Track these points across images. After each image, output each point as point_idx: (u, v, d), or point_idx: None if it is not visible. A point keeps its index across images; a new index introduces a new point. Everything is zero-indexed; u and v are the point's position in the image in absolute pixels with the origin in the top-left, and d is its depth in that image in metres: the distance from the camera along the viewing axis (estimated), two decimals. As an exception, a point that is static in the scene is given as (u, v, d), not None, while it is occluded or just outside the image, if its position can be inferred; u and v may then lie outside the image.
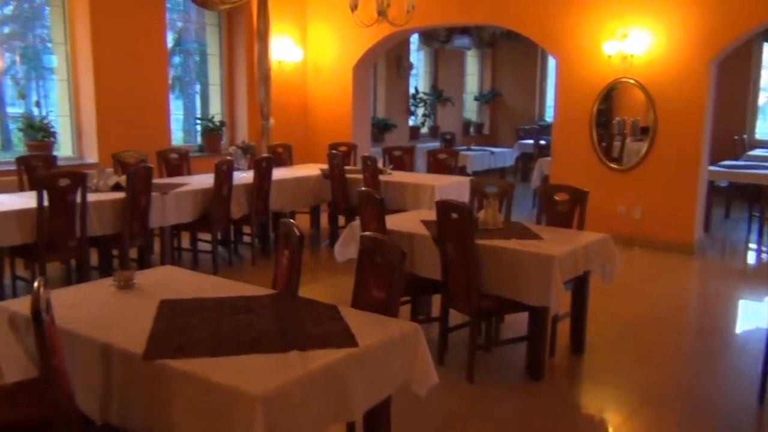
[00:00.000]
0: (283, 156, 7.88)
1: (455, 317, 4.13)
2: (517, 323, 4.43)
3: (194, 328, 2.48)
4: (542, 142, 11.26)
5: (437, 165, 7.58)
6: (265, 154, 6.93)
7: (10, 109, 8.51)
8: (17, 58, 8.38)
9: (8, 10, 11.77)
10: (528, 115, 14.03)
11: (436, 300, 4.28)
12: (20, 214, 4.75)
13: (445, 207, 3.91)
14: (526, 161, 12.31)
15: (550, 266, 3.63)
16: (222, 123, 8.72)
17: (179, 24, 9.57)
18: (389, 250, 2.75)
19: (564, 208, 4.52)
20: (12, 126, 7.88)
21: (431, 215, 4.29)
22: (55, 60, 7.41)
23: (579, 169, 7.37)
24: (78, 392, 2.39)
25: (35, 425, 2.28)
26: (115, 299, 2.82)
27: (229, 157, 6.35)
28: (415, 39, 12.14)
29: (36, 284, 2.05)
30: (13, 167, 5.96)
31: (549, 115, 13.55)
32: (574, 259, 3.87)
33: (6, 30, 12.72)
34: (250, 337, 2.39)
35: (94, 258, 5.58)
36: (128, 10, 7.38)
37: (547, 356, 4.04)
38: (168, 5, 8.31)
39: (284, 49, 9.06)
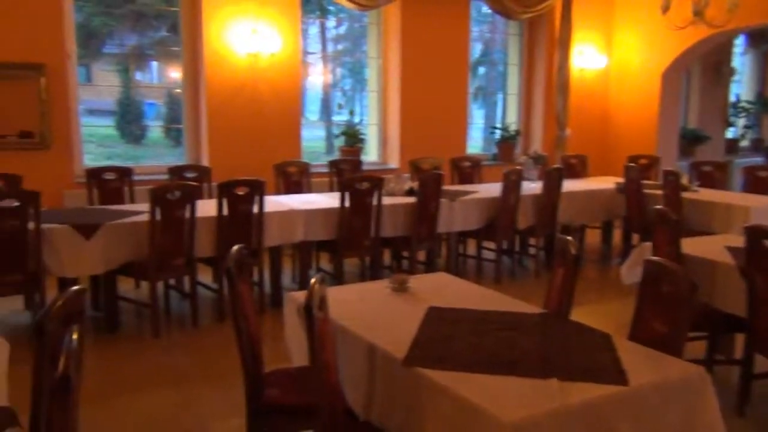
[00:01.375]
0: (576, 167, 7.58)
1: (763, 363, 3.52)
2: None
3: (456, 339, 2.46)
4: None
5: (757, 183, 6.61)
6: (556, 165, 6.73)
7: (337, 118, 9.54)
8: (344, 72, 9.41)
9: (343, 29, 13.28)
10: None
11: (740, 339, 3.70)
12: (326, 212, 5.26)
13: (757, 233, 3.35)
14: None
15: None
16: (517, 132, 8.71)
17: (488, 35, 9.81)
18: (677, 279, 2.43)
19: None
20: (336, 132, 8.85)
21: (740, 241, 3.72)
22: (369, 73, 8.11)
23: None
24: (346, 386, 2.54)
25: (308, 410, 2.46)
26: (389, 301, 2.93)
27: (518, 167, 6.29)
28: (740, 41, 10.79)
29: (312, 281, 2.21)
30: (326, 169, 6.65)
31: None
32: None
33: (339, 47, 14.37)
34: (509, 357, 2.29)
35: (387, 257, 5.97)
36: (435, 25, 7.76)
37: None
38: (479, 17, 8.58)
39: (586, 57, 8.72)
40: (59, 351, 1.70)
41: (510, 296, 3.03)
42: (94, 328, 4.76)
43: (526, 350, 2.36)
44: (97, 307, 5.01)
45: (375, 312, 2.78)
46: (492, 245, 6.11)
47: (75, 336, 1.74)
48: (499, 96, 10.00)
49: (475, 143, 10.07)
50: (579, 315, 2.81)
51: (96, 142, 10.47)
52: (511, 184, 5.87)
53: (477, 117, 13.72)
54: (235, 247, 2.67)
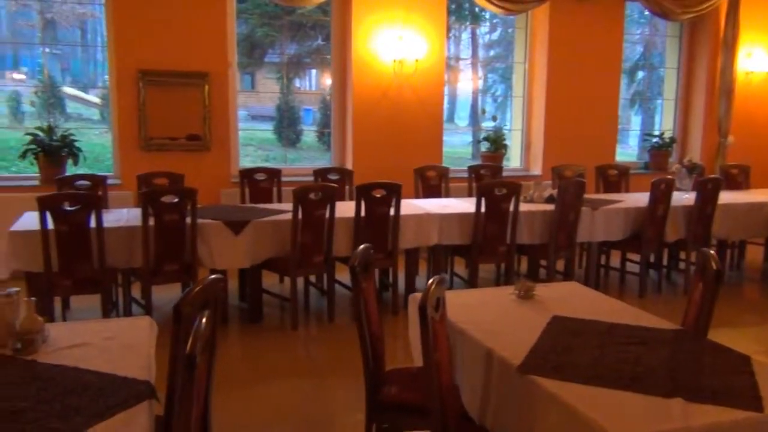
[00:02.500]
0: (737, 178, 7.01)
1: None
2: None
3: (577, 350, 2.38)
4: None
5: None
6: (713, 175, 6.27)
7: (485, 124, 9.51)
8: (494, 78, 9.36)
9: (495, 35, 13.22)
10: None
11: None
12: (462, 217, 5.27)
13: None
14: None
15: None
16: (672, 140, 8.21)
17: (648, 38, 9.36)
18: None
19: None
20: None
21: None
22: (515, 78, 8.01)
23: None
24: (463, 390, 2.54)
25: (424, 409, 2.49)
26: (512, 307, 2.90)
27: (670, 176, 5.93)
28: None
29: (429, 282, 2.24)
30: (467, 174, 6.65)
31: None
32: None
33: (491, 53, 14.30)
34: (632, 372, 2.19)
35: (523, 265, 5.87)
36: (586, 27, 7.52)
37: None
38: (641, 19, 8.20)
39: (754, 59, 8.04)
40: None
41: (652, 313, 2.87)
42: (240, 318, 5.10)
43: (652, 367, 2.24)
44: (243, 298, 5.37)
45: (496, 317, 2.76)
46: (637, 257, 5.81)
47: (204, 320, 1.90)
48: (659, 101, 9.48)
49: (631, 151, 9.62)
50: (718, 334, 2.62)
51: (255, 145, 11.21)
52: (660, 194, 5.55)
53: (634, 123, 13.07)
54: (362, 246, 2.76)
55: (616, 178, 6.75)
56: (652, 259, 6.10)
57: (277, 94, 9.90)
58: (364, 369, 2.72)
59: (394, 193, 4.96)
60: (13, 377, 2.10)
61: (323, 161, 8.12)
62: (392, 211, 4.98)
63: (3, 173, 6.52)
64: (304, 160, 10.18)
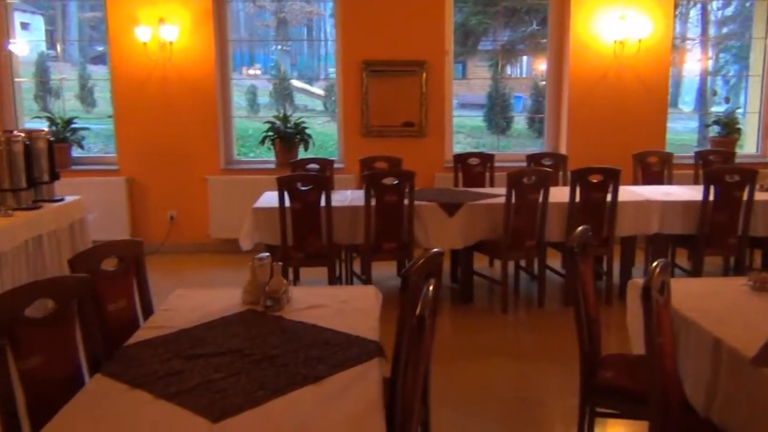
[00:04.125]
0: None
1: None
2: None
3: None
4: None
5: None
6: None
7: (715, 109, 8.78)
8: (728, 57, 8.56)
9: (729, 11, 12.07)
10: None
11: None
12: (686, 205, 4.95)
13: None
14: None
15: None
16: None
17: None
18: None
19: None
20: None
21: None
22: (753, 56, 7.28)
23: None
24: (686, 381, 2.44)
25: (642, 397, 2.43)
26: (744, 298, 2.70)
27: None
28: None
29: (653, 265, 2.19)
30: (692, 161, 6.21)
31: None
32: None
33: (724, 30, 13.08)
34: None
35: (757, 260, 5.37)
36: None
37: None
38: None
39: None
40: (419, 298, 2.02)
41: None
42: (451, 298, 5.28)
43: None
44: (455, 279, 5.53)
45: (726, 307, 2.59)
46: None
47: (431, 288, 2.04)
48: None
49: None
50: None
51: (465, 133, 11.37)
52: None
53: None
54: (580, 228, 2.75)
55: None
56: None
57: (487, 82, 9.94)
58: (579, 351, 2.72)
59: (612, 178, 4.80)
60: (266, 329, 2.42)
61: (534, 148, 8.04)
62: (609, 197, 4.83)
63: (244, 158, 7.32)
64: (515, 147, 10.13)
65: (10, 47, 6.76)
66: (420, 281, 2.20)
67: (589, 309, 2.71)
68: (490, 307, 5.16)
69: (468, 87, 12.61)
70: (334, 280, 4.88)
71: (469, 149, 8.04)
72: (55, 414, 1.80)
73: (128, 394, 1.92)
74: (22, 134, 4.64)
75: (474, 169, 6.03)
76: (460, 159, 6.07)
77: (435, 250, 2.40)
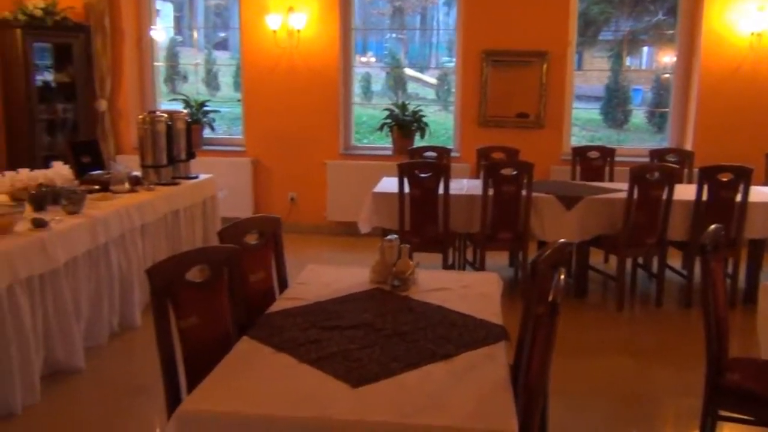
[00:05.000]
0: None
1: None
2: None
3: None
4: None
5: None
6: None
7: None
8: None
9: None
10: None
11: None
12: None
13: None
14: None
15: None
16: None
17: None
18: None
19: None
20: None
21: None
22: None
23: None
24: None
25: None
26: None
27: None
28: None
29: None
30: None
31: None
32: None
33: None
34: None
35: None
36: None
37: None
38: None
39: None
40: (548, 286, 2.08)
41: None
42: (565, 291, 5.22)
43: None
44: (569, 273, 5.47)
45: None
46: None
47: (562, 276, 2.09)
48: None
49: None
50: None
51: (579, 126, 11.10)
52: None
53: None
54: (713, 226, 2.69)
55: None
56: None
57: (605, 73, 9.66)
58: (706, 351, 2.66)
59: (743, 177, 4.60)
60: (394, 307, 2.54)
61: (652, 143, 7.77)
62: (739, 197, 4.63)
63: (360, 144, 7.51)
64: (633, 141, 9.80)
65: (152, 33, 7.26)
66: (548, 270, 2.25)
67: (718, 308, 2.65)
68: (604, 304, 5.09)
69: (584, 78, 12.28)
70: (447, 266, 4.97)
71: (584, 142, 7.88)
72: (208, 370, 1.99)
73: (274, 356, 2.09)
74: (165, 115, 5.01)
75: (593, 162, 5.93)
76: (579, 152, 5.98)
77: (561, 240, 2.43)
